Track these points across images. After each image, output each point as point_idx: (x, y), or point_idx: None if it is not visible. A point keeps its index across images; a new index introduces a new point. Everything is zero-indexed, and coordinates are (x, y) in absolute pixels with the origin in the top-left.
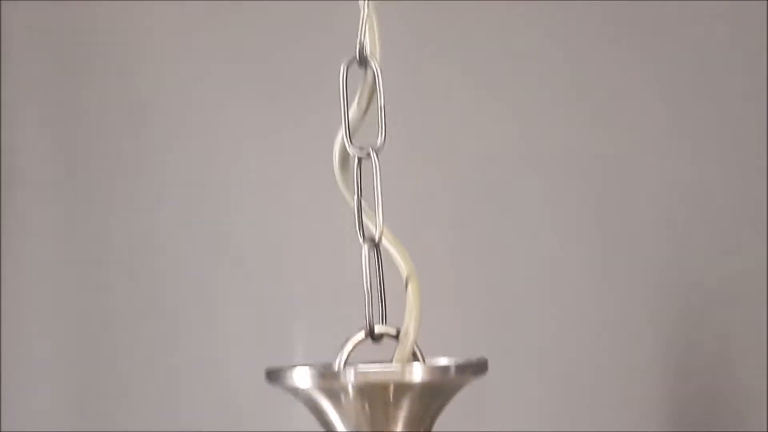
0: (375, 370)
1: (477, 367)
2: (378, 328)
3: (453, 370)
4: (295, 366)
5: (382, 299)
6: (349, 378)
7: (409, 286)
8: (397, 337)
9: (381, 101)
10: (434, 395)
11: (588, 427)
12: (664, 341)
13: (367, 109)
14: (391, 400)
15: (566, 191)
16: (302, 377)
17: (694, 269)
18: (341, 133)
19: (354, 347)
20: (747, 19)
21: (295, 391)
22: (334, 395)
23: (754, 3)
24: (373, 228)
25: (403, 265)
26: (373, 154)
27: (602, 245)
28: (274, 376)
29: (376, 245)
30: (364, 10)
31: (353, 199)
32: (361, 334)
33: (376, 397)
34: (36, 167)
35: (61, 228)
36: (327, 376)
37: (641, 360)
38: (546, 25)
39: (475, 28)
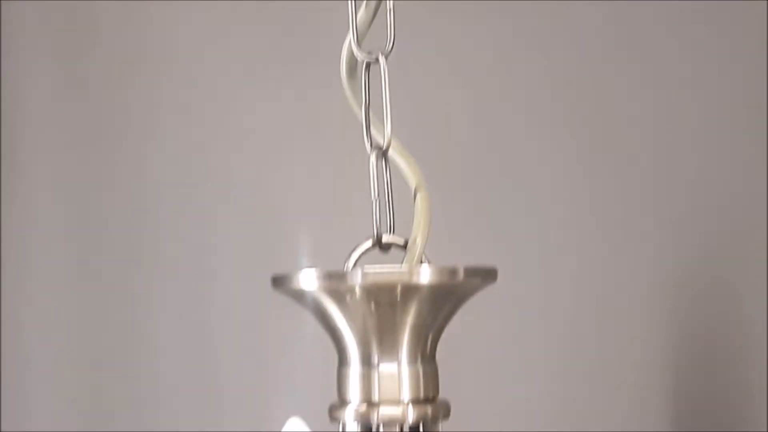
0: (382, 271)
1: (486, 273)
2: (386, 238)
3: (462, 273)
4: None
5: (390, 209)
6: (356, 279)
7: (418, 196)
8: (405, 247)
9: (390, 3)
10: (442, 299)
11: (586, 426)
12: (663, 341)
13: (375, 12)
14: (399, 302)
15: (564, 189)
16: (308, 279)
17: (693, 269)
18: (349, 38)
19: (361, 255)
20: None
21: (301, 295)
22: (340, 298)
23: (754, 3)
24: (381, 138)
25: (411, 176)
26: (381, 59)
27: (603, 244)
28: (280, 281)
29: (383, 153)
30: None
31: (361, 107)
32: (369, 243)
33: (384, 300)
34: (36, 166)
35: (61, 228)
36: (333, 277)
37: (640, 360)
38: (551, 24)
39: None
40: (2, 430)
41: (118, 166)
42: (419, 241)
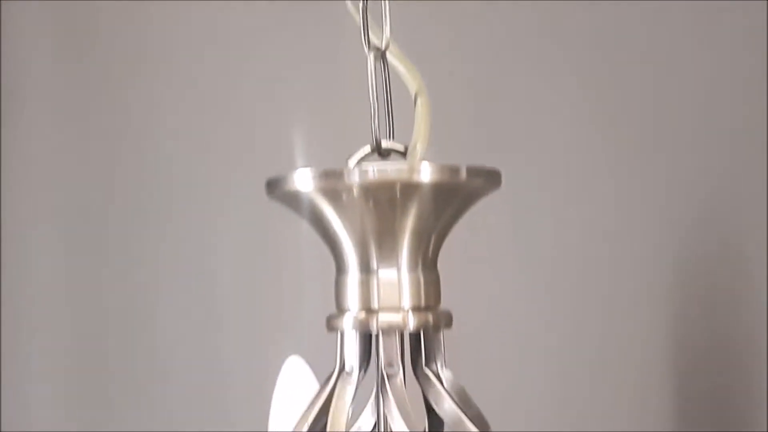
0: (382, 168)
1: (490, 175)
2: (385, 143)
3: (464, 172)
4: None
5: (390, 114)
6: (354, 177)
7: (418, 101)
8: (404, 154)
9: None
10: (444, 200)
11: (586, 426)
12: (663, 340)
13: None
14: (398, 202)
15: (564, 188)
16: (304, 179)
17: (694, 269)
18: None
19: (360, 161)
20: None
21: (296, 198)
22: (337, 198)
23: (754, 3)
24: (379, 41)
25: (411, 81)
26: None
27: (603, 243)
28: (274, 183)
29: (382, 54)
30: None
31: (359, 8)
32: (367, 148)
33: (383, 200)
34: (36, 166)
35: (62, 227)
36: (330, 176)
37: (641, 360)
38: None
39: None
40: (2, 430)
41: (118, 166)
42: (419, 147)
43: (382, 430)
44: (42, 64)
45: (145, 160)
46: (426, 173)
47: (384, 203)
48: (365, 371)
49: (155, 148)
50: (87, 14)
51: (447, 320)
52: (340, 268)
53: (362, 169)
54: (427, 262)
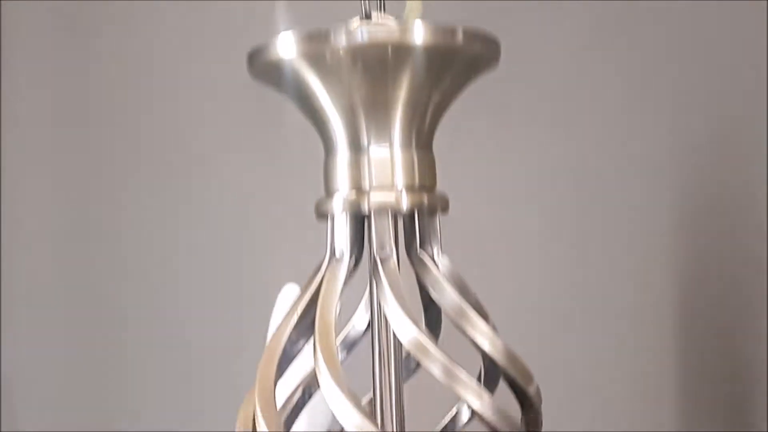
0: (371, 28)
1: (488, 41)
2: (375, 16)
3: (461, 34)
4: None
5: None
6: (341, 39)
7: None
8: None
9: None
10: (439, 67)
11: (587, 426)
12: (665, 341)
13: None
14: (390, 69)
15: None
16: (287, 43)
17: (695, 268)
18: None
19: None
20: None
21: (279, 70)
22: (323, 65)
23: (754, 3)
24: None
25: None
26: None
27: (604, 243)
28: (256, 55)
29: None
30: None
31: None
32: (356, 20)
33: (373, 66)
34: (36, 166)
35: (61, 229)
36: (315, 38)
37: (642, 361)
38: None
39: None
40: (2, 430)
41: (118, 166)
42: (412, 18)
43: (377, 319)
44: (42, 64)
45: (145, 160)
46: (419, 34)
47: (374, 70)
48: (357, 259)
49: (155, 147)
50: (87, 14)
51: (443, 203)
52: (329, 148)
53: (349, 30)
54: (421, 139)
